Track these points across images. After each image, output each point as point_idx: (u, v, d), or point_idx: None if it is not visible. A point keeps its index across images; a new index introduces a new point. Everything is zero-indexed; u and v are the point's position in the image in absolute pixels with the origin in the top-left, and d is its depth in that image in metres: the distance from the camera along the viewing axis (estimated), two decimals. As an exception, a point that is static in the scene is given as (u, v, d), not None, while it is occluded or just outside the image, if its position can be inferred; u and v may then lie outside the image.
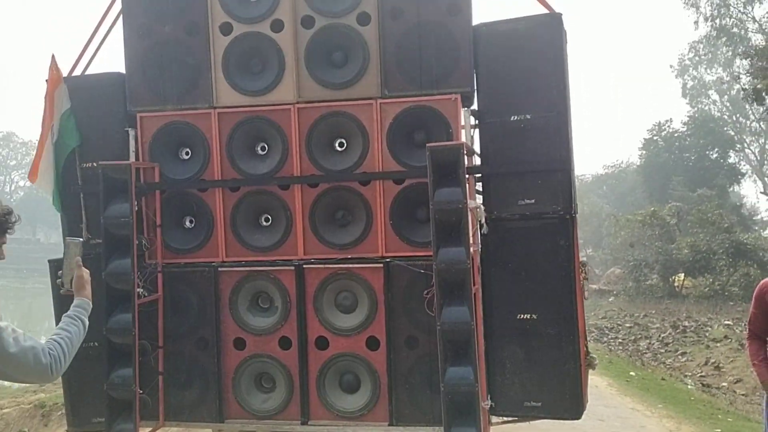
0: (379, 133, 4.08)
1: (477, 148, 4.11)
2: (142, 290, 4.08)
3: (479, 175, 4.10)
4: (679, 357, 13.78)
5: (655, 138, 34.12)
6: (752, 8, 29.36)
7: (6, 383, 8.07)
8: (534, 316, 3.92)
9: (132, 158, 4.27)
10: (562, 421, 4.57)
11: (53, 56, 4.33)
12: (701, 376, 12.12)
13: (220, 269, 4.25)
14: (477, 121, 4.09)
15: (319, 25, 4.12)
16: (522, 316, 3.94)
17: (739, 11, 29.59)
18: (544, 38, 3.94)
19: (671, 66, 40.24)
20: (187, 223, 4.37)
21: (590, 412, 4.12)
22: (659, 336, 15.88)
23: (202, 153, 4.26)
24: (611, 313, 20.21)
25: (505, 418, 4.32)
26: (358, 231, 4.14)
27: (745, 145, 38.03)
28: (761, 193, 37.60)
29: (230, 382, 4.26)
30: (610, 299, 23.16)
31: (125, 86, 4.33)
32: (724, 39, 30.38)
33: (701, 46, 36.16)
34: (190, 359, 4.29)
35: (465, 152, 3.73)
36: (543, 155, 3.94)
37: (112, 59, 4.61)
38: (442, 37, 4.01)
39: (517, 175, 3.97)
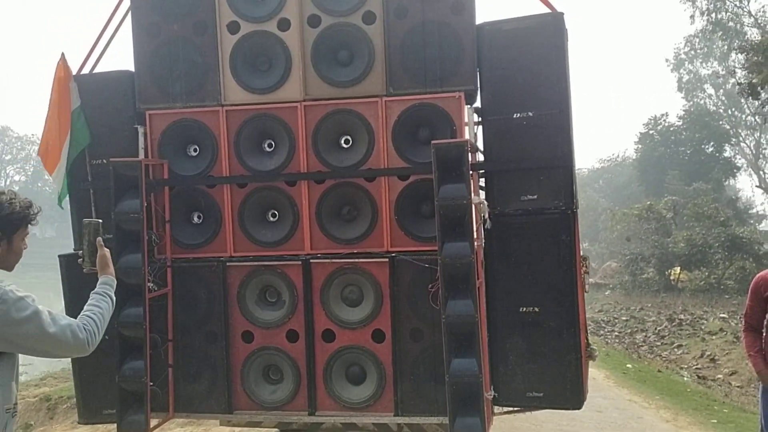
0: (384, 130, 4.16)
1: (480, 144, 4.20)
2: (152, 284, 4.16)
3: (482, 171, 4.19)
4: (675, 350, 13.91)
5: (651, 132, 34.25)
6: (748, 2, 29.56)
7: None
8: (536, 309, 4.01)
9: (141, 155, 4.34)
10: (561, 411, 4.71)
11: (63, 54, 4.40)
12: (697, 368, 12.25)
13: (228, 264, 4.33)
14: (480, 119, 4.17)
15: (325, 24, 4.20)
16: (524, 308, 4.03)
17: (735, 5, 29.69)
18: (546, 37, 4.02)
19: (667, 60, 40.20)
20: (196, 219, 4.45)
21: (588, 403, 4.22)
22: (655, 329, 16.01)
23: (211, 150, 4.33)
24: (608, 306, 20.34)
25: (508, 408, 4.43)
26: (363, 226, 4.22)
27: (741, 138, 38.17)
28: (756, 186, 37.78)
29: (239, 374, 4.35)
30: (607, 293, 23.29)
31: (134, 84, 4.40)
32: (720, 33, 30.48)
33: (697, 40, 36.24)
34: (199, 352, 4.38)
35: (469, 149, 3.81)
36: (545, 152, 4.03)
37: (118, 57, 4.69)
38: (446, 36, 4.08)
39: (519, 172, 4.06)
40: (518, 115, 4.06)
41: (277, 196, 4.32)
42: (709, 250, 20.68)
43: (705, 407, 8.31)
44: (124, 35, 4.47)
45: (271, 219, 4.38)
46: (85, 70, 4.51)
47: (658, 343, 14.70)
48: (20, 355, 2.51)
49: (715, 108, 38.45)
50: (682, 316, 16.70)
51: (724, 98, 38.72)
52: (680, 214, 24.47)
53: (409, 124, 4.16)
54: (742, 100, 28.43)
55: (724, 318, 15.58)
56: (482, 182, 4.24)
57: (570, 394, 4.03)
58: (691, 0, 30.13)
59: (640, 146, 35.17)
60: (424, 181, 4.06)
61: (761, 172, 37.92)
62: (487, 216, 4.03)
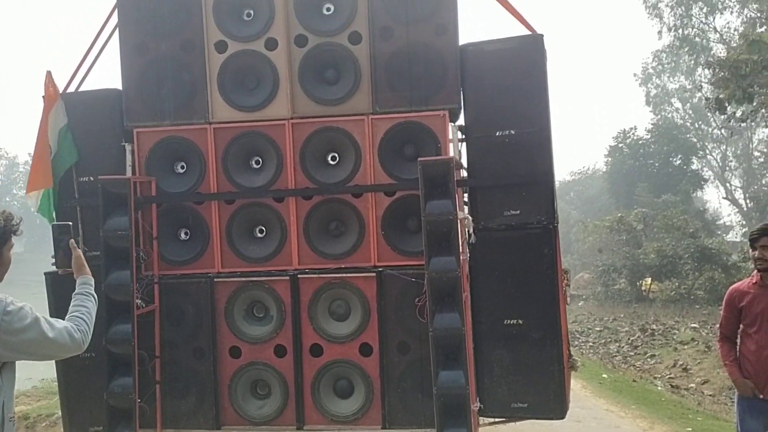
0: (370, 147, 4.25)
1: (464, 161, 4.31)
2: (140, 301, 4.18)
3: (467, 186, 4.30)
4: (648, 359, 14.15)
5: (620, 145, 34.84)
6: (713, 19, 30.29)
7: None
8: (520, 322, 4.12)
9: (128, 172, 4.36)
10: (542, 421, 4.80)
11: (49, 73, 4.42)
12: (670, 377, 12.48)
13: (216, 280, 4.37)
14: (464, 136, 4.29)
15: (312, 44, 4.29)
16: (509, 321, 4.14)
17: (701, 21, 30.48)
18: (527, 59, 4.16)
19: (635, 74, 41.02)
20: (183, 235, 4.49)
21: (567, 413, 4.32)
22: (628, 339, 16.26)
23: (198, 167, 4.38)
24: (581, 317, 20.59)
25: (493, 419, 4.52)
26: (351, 241, 4.30)
27: (708, 151, 39.02)
28: (723, 198, 38.64)
29: (226, 390, 4.37)
30: (580, 303, 23.57)
31: (121, 102, 4.44)
32: (686, 48, 31.23)
33: (664, 55, 37.05)
34: (187, 368, 4.40)
35: (454, 166, 3.92)
36: (527, 169, 4.15)
37: (104, 75, 4.72)
38: (430, 56, 4.20)
39: (502, 188, 4.18)
40: (500, 132, 4.18)
41: (264, 212, 4.38)
42: (679, 261, 21.07)
43: (680, 416, 8.48)
44: (110, 53, 4.52)
45: (259, 235, 4.43)
46: (73, 88, 4.53)
47: (632, 353, 14.94)
48: None
49: (682, 121, 39.26)
50: (654, 326, 16.98)
51: (691, 112, 39.58)
52: (650, 226, 24.90)
53: (395, 141, 4.26)
54: (709, 114, 29.13)
55: (695, 328, 15.88)
56: (466, 197, 4.35)
57: (554, 405, 4.14)
58: (659, 16, 30.87)
59: (609, 159, 35.76)
60: (409, 197, 4.15)
61: (728, 184, 38.78)
62: (471, 231, 4.14)
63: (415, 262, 4.11)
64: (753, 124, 24.07)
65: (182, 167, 4.45)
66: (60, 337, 2.59)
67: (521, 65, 4.16)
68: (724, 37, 29.39)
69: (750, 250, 4.23)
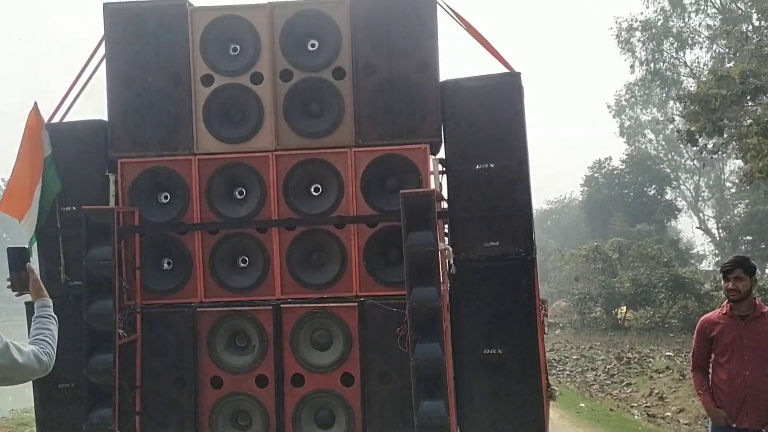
0: (353, 179, 4.34)
1: (444, 193, 4.41)
2: (122, 331, 4.18)
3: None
4: (625, 388, 14.24)
5: (595, 175, 35.45)
6: (684, 54, 31.13)
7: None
8: (500, 351, 4.19)
9: (112, 202, 4.39)
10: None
11: (35, 103, 4.46)
12: (646, 406, 12.56)
13: (198, 309, 4.39)
14: (444, 169, 4.40)
15: (296, 78, 4.39)
16: (488, 351, 4.20)
17: (672, 56, 31.29)
18: (505, 94, 4.30)
19: (608, 106, 41.83)
20: (165, 265, 4.51)
21: (546, 443, 4.38)
22: (605, 367, 16.36)
23: (182, 197, 4.42)
24: (558, 345, 20.66)
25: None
26: (333, 271, 4.36)
27: (681, 182, 39.77)
28: (696, 227, 39.28)
29: (207, 421, 4.36)
30: (557, 332, 23.65)
31: (105, 133, 4.48)
32: (658, 82, 31.99)
33: (636, 88, 37.87)
34: (168, 398, 4.38)
35: (435, 198, 4.01)
36: (506, 201, 4.27)
37: (84, 106, 4.76)
38: (412, 92, 4.32)
39: (482, 220, 4.28)
40: (480, 166, 4.29)
41: (247, 242, 4.42)
42: (654, 290, 21.33)
43: (656, 444, 8.55)
44: (96, 84, 4.58)
45: (242, 265, 4.47)
46: (56, 119, 4.57)
47: (608, 382, 15.02)
48: None
49: (656, 152, 40.03)
50: (629, 355, 17.11)
51: (664, 143, 40.39)
52: (625, 255, 25.23)
53: (378, 173, 4.35)
54: (681, 146, 29.77)
55: (669, 356, 16.04)
56: (447, 229, 4.44)
57: (533, 434, 4.19)
58: (630, 50, 31.62)
59: (585, 188, 36.33)
60: (391, 227, 4.22)
61: (701, 214, 39.47)
62: (452, 262, 4.22)
63: (397, 292, 4.18)
64: (724, 155, 24.67)
65: (166, 197, 4.50)
66: (29, 362, 2.63)
67: (500, 101, 4.30)
68: (694, 71, 30.17)
69: (722, 281, 4.36)
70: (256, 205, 4.38)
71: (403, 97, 4.32)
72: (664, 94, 33.47)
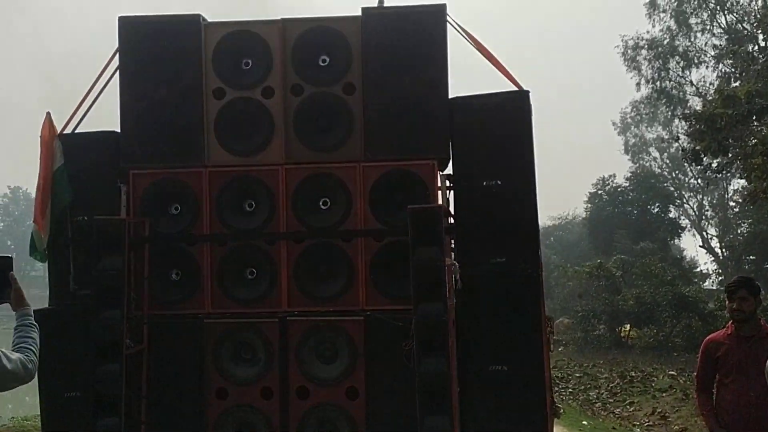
0: (361, 193, 4.38)
1: (452, 209, 4.44)
2: (129, 341, 4.21)
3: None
4: (627, 406, 14.18)
5: (599, 192, 35.45)
6: (690, 73, 31.21)
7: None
8: (505, 368, 4.20)
9: (123, 213, 4.44)
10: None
11: (48, 114, 4.52)
12: (649, 425, 12.51)
13: (205, 321, 4.41)
14: (452, 185, 4.44)
15: (307, 93, 4.44)
16: (494, 367, 4.22)
17: (678, 75, 31.38)
18: (513, 112, 4.35)
19: (614, 123, 41.93)
20: (174, 276, 4.54)
21: (550, 461, 4.38)
22: (608, 386, 16.30)
23: (192, 208, 4.46)
24: (561, 362, 20.60)
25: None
26: (340, 285, 4.38)
27: (684, 200, 39.75)
28: (700, 246, 39.20)
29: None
30: (560, 349, 23.56)
31: (117, 144, 4.53)
32: (664, 100, 32.06)
33: (642, 105, 37.96)
34: (173, 409, 4.40)
35: (443, 214, 4.05)
36: (512, 217, 4.30)
37: (99, 115, 4.82)
38: (421, 108, 4.37)
39: (489, 235, 4.31)
40: (487, 182, 4.34)
41: (255, 254, 4.45)
42: (657, 308, 21.25)
43: (659, 464, 8.51)
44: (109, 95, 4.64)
45: (250, 277, 4.49)
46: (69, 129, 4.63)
47: (611, 400, 14.96)
48: None
49: (660, 170, 40.05)
50: (633, 373, 17.05)
51: (668, 161, 40.43)
52: (629, 273, 25.16)
53: (386, 188, 4.39)
54: (686, 164, 29.79)
55: (673, 375, 15.98)
56: (453, 244, 4.47)
57: (537, 451, 4.19)
58: (636, 68, 31.75)
59: (589, 205, 36.30)
60: (398, 242, 4.25)
61: (704, 233, 39.40)
62: (458, 277, 4.24)
63: (403, 306, 4.19)
64: (728, 175, 24.67)
65: (176, 208, 4.53)
66: (17, 369, 2.70)
67: (508, 119, 4.35)
68: (700, 90, 30.24)
69: (727, 301, 4.38)
70: (265, 218, 4.42)
71: (412, 113, 4.36)
72: (670, 113, 33.51)
